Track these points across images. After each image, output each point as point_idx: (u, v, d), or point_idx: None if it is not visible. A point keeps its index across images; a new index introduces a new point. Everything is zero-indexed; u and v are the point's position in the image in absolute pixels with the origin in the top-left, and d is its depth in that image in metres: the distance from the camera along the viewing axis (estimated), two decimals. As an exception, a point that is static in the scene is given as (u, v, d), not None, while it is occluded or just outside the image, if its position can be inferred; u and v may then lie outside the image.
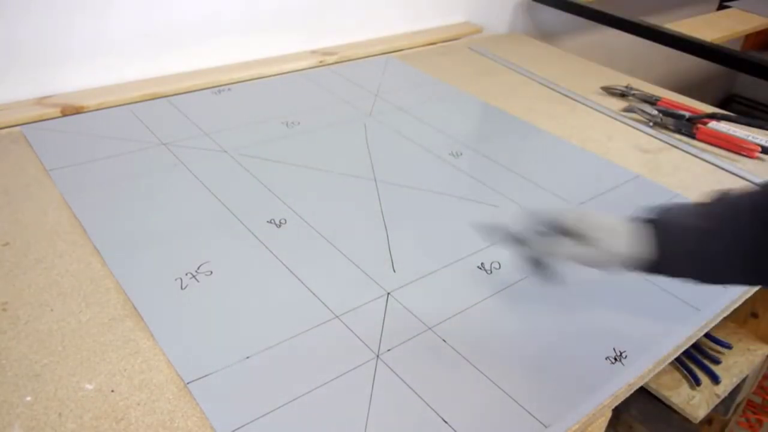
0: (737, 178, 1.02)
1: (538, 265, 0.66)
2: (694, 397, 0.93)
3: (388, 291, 0.72)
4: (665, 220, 0.58)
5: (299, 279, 0.72)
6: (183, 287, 0.69)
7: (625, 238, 0.59)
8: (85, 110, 1.03)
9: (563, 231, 0.62)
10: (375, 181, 0.93)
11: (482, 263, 0.77)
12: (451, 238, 0.82)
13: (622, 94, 1.30)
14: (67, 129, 0.98)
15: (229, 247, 0.76)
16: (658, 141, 1.13)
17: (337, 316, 0.67)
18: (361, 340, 0.65)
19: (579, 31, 1.88)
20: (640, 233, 0.58)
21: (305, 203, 0.85)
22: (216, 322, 0.65)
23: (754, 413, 1.73)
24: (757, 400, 1.77)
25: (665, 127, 1.17)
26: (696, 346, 0.99)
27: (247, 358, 0.62)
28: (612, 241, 0.59)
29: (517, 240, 0.66)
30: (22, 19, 0.97)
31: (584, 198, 0.93)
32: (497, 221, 0.70)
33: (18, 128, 0.97)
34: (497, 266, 0.77)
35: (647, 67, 2.06)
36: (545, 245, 0.63)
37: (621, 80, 1.35)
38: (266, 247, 0.77)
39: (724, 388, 0.95)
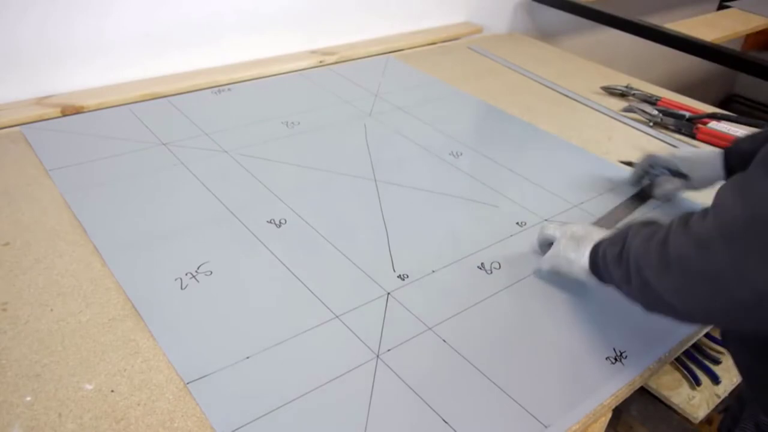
0: (737, 178, 1.02)
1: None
2: (694, 397, 0.93)
3: (388, 291, 0.72)
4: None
5: (299, 279, 0.72)
6: (183, 287, 0.69)
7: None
8: (85, 110, 1.03)
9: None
10: (375, 181, 0.93)
11: (482, 263, 0.77)
12: (451, 238, 0.82)
13: (622, 94, 1.30)
14: (67, 129, 0.98)
15: (229, 247, 0.76)
16: (658, 141, 1.13)
17: (337, 316, 0.67)
18: (361, 340, 0.65)
19: (579, 31, 1.88)
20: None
21: (305, 203, 0.85)
22: (216, 322, 0.65)
23: (754, 413, 1.72)
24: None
25: (665, 127, 1.17)
26: (696, 346, 0.99)
27: (247, 358, 0.62)
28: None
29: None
30: (22, 20, 0.97)
31: (584, 198, 0.93)
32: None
33: (18, 128, 0.97)
34: (497, 266, 0.77)
35: (647, 67, 2.06)
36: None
37: (621, 80, 1.35)
38: (266, 247, 0.77)
39: (724, 388, 0.95)
